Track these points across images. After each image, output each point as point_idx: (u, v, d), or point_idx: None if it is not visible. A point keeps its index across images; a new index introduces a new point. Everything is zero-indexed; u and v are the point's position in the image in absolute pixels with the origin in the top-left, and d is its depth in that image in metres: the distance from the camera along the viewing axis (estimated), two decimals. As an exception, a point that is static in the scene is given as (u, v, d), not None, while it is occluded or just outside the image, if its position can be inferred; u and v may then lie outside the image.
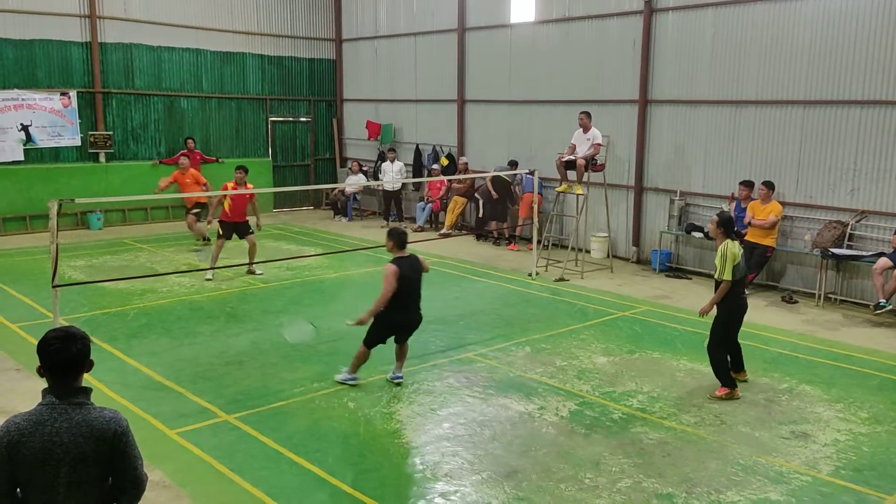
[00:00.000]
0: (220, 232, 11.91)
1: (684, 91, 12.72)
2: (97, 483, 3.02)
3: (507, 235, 15.29)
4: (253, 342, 8.75)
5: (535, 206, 12.48)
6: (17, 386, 7.32)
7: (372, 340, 7.31)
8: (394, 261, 7.11)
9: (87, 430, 2.96)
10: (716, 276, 7.20)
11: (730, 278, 7.04)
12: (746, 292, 7.58)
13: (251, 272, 12.08)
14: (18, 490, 3.03)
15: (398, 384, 7.45)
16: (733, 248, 7.08)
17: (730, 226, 7.21)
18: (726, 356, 7.35)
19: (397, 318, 7.21)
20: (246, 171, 11.87)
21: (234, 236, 12.04)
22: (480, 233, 15.75)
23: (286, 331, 8.27)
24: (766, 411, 7.00)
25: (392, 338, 7.43)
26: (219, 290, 11.12)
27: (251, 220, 12.09)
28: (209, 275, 11.62)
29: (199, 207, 14.56)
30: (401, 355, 7.57)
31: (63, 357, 2.99)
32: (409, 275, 7.12)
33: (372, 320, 7.16)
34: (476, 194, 15.74)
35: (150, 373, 7.76)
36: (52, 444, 2.93)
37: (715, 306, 7.26)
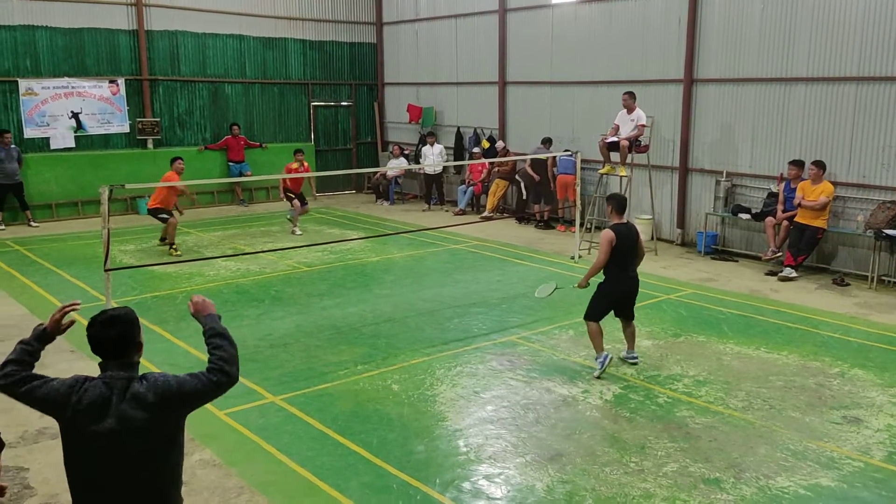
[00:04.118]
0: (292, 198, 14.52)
1: (731, 69, 12.42)
2: (147, 459, 3.07)
3: (545, 218, 15.16)
4: (297, 325, 8.87)
5: (578, 188, 12.35)
6: (72, 367, 7.52)
7: (595, 312, 7.34)
8: (611, 227, 7.16)
9: (133, 403, 3.04)
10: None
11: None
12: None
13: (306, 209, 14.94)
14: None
15: (634, 363, 7.55)
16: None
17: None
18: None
19: (614, 286, 7.28)
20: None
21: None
22: (522, 215, 15.67)
23: (539, 290, 8.23)
24: (816, 396, 6.86)
25: (614, 316, 7.48)
26: (263, 274, 11.28)
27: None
28: (298, 231, 14.29)
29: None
30: (629, 336, 7.64)
31: (103, 338, 3.11)
32: (625, 241, 7.13)
33: (594, 292, 7.33)
34: (517, 176, 15.63)
35: (199, 354, 7.91)
36: (101, 418, 3.01)
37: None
